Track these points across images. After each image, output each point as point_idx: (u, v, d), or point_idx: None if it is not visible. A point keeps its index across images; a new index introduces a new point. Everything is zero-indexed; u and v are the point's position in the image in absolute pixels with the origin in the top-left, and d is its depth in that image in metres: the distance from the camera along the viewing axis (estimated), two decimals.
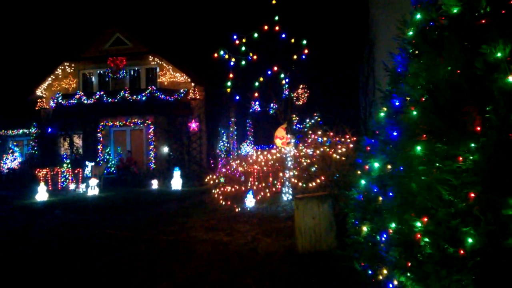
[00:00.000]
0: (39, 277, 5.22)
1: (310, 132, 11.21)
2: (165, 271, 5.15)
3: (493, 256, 2.50)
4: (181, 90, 20.17)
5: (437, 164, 2.81)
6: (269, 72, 10.65)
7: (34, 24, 32.48)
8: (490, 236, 2.51)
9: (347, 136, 9.89)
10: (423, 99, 3.17)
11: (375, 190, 3.85)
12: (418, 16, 3.43)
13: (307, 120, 13.00)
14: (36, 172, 16.32)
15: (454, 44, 2.92)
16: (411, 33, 3.54)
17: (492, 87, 2.63)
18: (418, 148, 2.97)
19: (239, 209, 9.54)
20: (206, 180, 14.49)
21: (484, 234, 2.52)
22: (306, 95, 17.75)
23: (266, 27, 10.13)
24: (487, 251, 2.51)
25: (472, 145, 2.66)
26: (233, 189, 11.61)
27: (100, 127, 20.22)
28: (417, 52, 3.44)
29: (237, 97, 12.02)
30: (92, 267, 5.50)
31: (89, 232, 7.86)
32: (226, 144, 22.59)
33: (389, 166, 3.67)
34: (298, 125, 13.09)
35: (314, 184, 9.05)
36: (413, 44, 3.51)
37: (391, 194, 3.48)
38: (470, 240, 2.54)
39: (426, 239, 2.80)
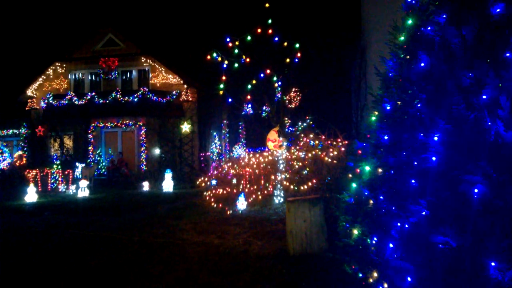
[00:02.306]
0: (26, 280, 5.16)
1: (302, 135, 11.25)
2: (154, 274, 5.12)
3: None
4: (174, 92, 20.11)
5: None
6: (262, 75, 10.68)
7: (25, 24, 32.22)
8: None
9: (339, 140, 9.94)
10: (414, 103, 3.21)
11: (366, 193, 3.87)
12: (410, 21, 3.47)
13: (299, 123, 13.04)
14: (26, 173, 16.12)
15: (445, 50, 2.96)
16: (402, 38, 3.57)
17: None
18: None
19: (231, 211, 9.52)
20: (197, 182, 14.45)
21: None
22: (298, 98, 17.82)
23: (259, 30, 10.16)
24: None
25: None
26: (224, 192, 11.59)
27: (91, 128, 20.07)
28: (408, 57, 3.47)
29: (230, 100, 12.00)
30: (81, 270, 5.45)
31: (79, 234, 7.78)
32: (218, 147, 22.55)
33: (380, 170, 3.69)
34: (290, 128, 13.13)
35: (305, 187, 9.08)
36: (404, 49, 3.55)
37: (381, 197, 3.51)
38: None
39: None
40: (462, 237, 2.85)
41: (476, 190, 2.83)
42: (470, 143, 2.94)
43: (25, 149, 20.80)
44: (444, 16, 3.20)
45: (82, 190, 14.21)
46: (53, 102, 20.12)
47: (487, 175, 2.81)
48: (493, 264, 2.67)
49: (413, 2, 3.55)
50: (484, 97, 2.90)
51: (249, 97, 11.47)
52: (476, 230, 2.80)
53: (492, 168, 2.81)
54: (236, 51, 10.16)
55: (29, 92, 21.73)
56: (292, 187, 9.66)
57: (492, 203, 2.77)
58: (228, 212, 9.45)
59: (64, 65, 21.62)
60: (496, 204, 2.75)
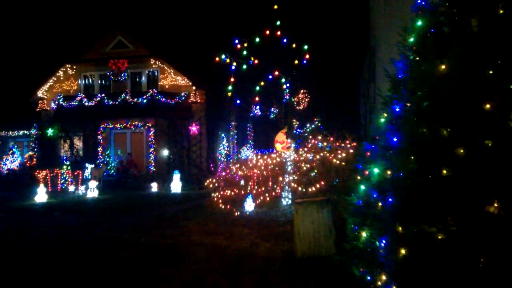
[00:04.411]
0: (36, 280, 5.21)
1: (310, 137, 11.22)
2: (162, 275, 5.13)
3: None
4: (182, 94, 20.20)
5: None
6: (270, 77, 10.67)
7: (36, 26, 32.61)
8: None
9: (347, 142, 9.89)
10: (424, 105, 3.18)
11: (375, 195, 3.84)
12: (419, 23, 3.45)
13: (308, 125, 13.02)
14: (36, 173, 16.30)
15: (455, 51, 2.94)
16: (412, 39, 3.55)
17: None
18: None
19: (239, 213, 9.52)
20: (205, 183, 14.47)
21: None
22: (306, 100, 17.78)
23: (267, 32, 10.16)
24: None
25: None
26: (232, 193, 11.60)
27: (101, 129, 20.22)
28: (418, 58, 3.45)
29: (238, 101, 12.02)
30: (89, 270, 5.49)
31: (88, 234, 7.84)
32: (226, 148, 22.58)
33: (389, 172, 3.67)
34: (298, 130, 13.11)
35: (313, 189, 9.04)
36: (414, 51, 3.53)
37: (390, 199, 3.48)
38: None
39: None
40: (471, 241, 2.82)
41: None
42: None
43: (35, 149, 21.02)
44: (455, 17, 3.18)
45: (91, 190, 14.32)
46: (63, 104, 20.30)
47: None
48: None
49: (423, 3, 3.52)
50: None
51: (257, 98, 11.47)
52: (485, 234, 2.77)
53: None
54: (245, 52, 10.17)
55: (39, 94, 21.97)
56: (300, 189, 9.63)
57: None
58: (236, 214, 9.45)
59: (75, 67, 21.82)
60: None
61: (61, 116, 20.34)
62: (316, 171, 9.66)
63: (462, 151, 2.80)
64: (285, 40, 10.39)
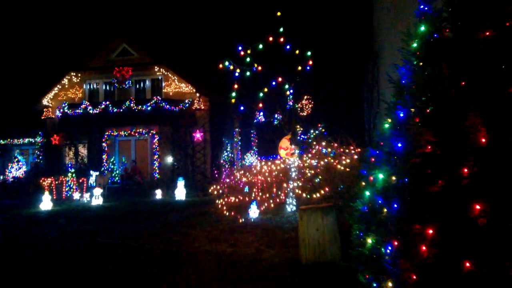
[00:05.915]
0: (41, 286, 5.21)
1: (315, 143, 11.20)
2: (167, 282, 5.12)
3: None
4: (186, 101, 20.28)
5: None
6: (274, 83, 10.70)
7: (40, 33, 32.93)
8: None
9: (352, 147, 9.86)
10: (428, 110, 3.17)
11: (380, 201, 3.82)
12: (423, 28, 3.45)
13: (311, 131, 13.00)
14: (41, 181, 16.36)
15: (458, 56, 2.93)
16: (415, 45, 3.55)
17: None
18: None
19: (243, 219, 9.50)
20: (210, 190, 14.47)
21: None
22: (310, 106, 17.78)
23: (271, 39, 10.20)
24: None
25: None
26: (237, 200, 11.58)
27: (105, 136, 20.32)
28: (421, 63, 3.44)
29: (242, 108, 12.06)
30: (94, 277, 5.49)
31: (92, 241, 7.85)
32: (230, 155, 22.60)
33: (393, 178, 3.65)
34: (302, 136, 13.09)
35: (318, 195, 9.01)
36: (418, 56, 3.52)
37: (395, 205, 3.46)
38: None
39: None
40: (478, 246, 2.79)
41: None
42: None
43: (40, 157, 21.12)
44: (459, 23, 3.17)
45: (96, 198, 14.35)
46: (68, 111, 20.45)
47: None
48: None
49: (426, 8, 3.53)
50: None
51: (261, 105, 11.50)
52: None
53: None
54: (248, 59, 10.21)
55: (44, 102, 22.13)
56: (304, 195, 9.60)
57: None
58: (240, 220, 9.43)
59: (79, 75, 21.99)
60: None
61: (66, 124, 20.49)
62: (320, 177, 9.63)
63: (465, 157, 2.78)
64: (288, 47, 10.43)
